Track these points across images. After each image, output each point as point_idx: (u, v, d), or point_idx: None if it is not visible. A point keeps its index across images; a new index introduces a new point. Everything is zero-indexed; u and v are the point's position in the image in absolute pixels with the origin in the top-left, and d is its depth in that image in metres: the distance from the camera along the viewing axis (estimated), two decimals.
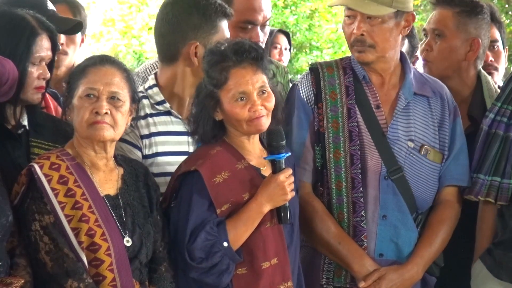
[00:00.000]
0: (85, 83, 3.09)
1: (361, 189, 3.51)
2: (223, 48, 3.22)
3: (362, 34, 3.50)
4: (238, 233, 3.16)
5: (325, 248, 3.52)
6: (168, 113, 3.48)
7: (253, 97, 3.17)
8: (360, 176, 3.51)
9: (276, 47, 6.73)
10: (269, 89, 3.22)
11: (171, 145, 3.46)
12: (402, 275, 3.50)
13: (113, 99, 3.09)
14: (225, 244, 3.13)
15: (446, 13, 3.85)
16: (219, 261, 3.13)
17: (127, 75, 3.16)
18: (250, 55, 3.19)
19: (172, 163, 3.39)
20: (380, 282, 3.46)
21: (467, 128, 3.83)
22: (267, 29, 4.11)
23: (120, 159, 3.22)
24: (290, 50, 6.94)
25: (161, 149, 3.44)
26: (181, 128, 3.49)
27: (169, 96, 3.51)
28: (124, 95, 3.11)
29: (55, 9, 3.85)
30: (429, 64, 3.98)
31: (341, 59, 3.70)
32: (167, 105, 3.48)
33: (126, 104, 3.12)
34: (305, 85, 3.62)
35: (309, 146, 3.56)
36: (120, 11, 17.28)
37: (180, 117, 3.49)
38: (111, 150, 3.15)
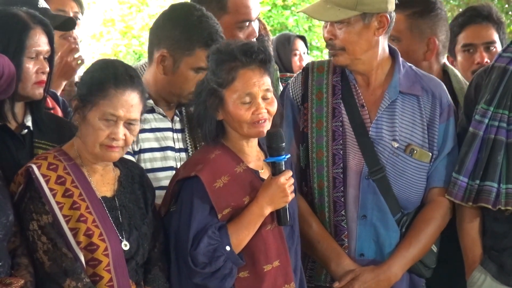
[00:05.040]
0: (105, 106, 3.03)
1: (342, 188, 3.50)
2: (231, 47, 3.19)
3: (331, 38, 3.51)
4: (240, 236, 3.15)
5: (306, 247, 3.50)
6: (151, 110, 3.48)
7: (258, 100, 3.16)
8: (341, 175, 3.50)
9: (296, 54, 6.71)
10: (272, 94, 3.21)
11: (154, 142, 3.47)
12: (377, 276, 3.47)
13: (129, 124, 3.07)
14: (228, 248, 3.12)
15: (398, 16, 3.72)
16: (222, 266, 3.11)
17: (143, 94, 3.13)
18: (259, 57, 3.17)
19: (156, 159, 3.43)
20: (353, 283, 3.45)
21: None
22: (257, 22, 4.13)
23: (117, 161, 3.21)
24: (307, 52, 6.94)
25: (146, 145, 3.44)
26: (165, 124, 3.50)
27: (152, 93, 3.49)
28: (138, 117, 3.10)
29: (48, 7, 3.84)
30: None
31: None
32: (151, 101, 3.47)
33: (138, 123, 3.11)
34: (294, 84, 3.64)
35: (295, 145, 3.57)
36: (120, 11, 17.30)
37: (164, 114, 3.50)
38: None
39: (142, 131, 3.36)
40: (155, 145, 3.46)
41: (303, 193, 3.54)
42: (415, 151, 3.54)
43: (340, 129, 3.53)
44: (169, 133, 3.50)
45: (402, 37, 3.92)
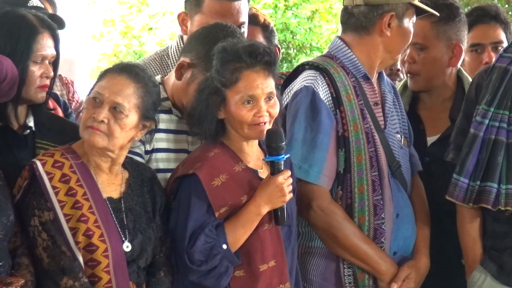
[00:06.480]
0: (97, 86, 3.06)
1: (380, 191, 3.48)
2: (236, 47, 3.16)
3: None
4: (237, 235, 3.14)
5: (350, 252, 3.46)
6: (168, 111, 3.46)
7: (260, 103, 3.14)
8: (378, 178, 3.48)
9: None
10: (275, 96, 3.19)
11: (169, 143, 3.44)
12: (421, 268, 3.54)
13: (115, 109, 3.03)
14: (224, 246, 3.11)
15: (424, 24, 3.76)
16: (218, 264, 3.11)
17: (145, 90, 3.09)
18: (264, 59, 3.15)
19: (170, 160, 3.40)
20: (410, 282, 3.49)
21: (447, 129, 3.84)
22: (243, 32, 4.02)
23: (127, 163, 3.18)
24: None
25: (160, 145, 3.41)
26: (181, 126, 3.46)
27: (170, 95, 3.48)
28: (129, 108, 3.04)
29: (40, 5, 3.81)
30: (416, 77, 3.95)
31: (331, 59, 3.59)
32: (169, 102, 3.45)
33: (129, 118, 3.04)
34: (322, 87, 3.49)
35: (332, 152, 3.46)
36: (120, 11, 17.31)
37: (180, 115, 3.47)
38: (117, 158, 3.10)
39: (158, 131, 3.33)
40: (170, 146, 3.43)
41: (337, 197, 3.48)
42: (403, 140, 3.62)
43: (370, 130, 3.49)
44: (184, 136, 3.47)
45: (429, 44, 3.89)
